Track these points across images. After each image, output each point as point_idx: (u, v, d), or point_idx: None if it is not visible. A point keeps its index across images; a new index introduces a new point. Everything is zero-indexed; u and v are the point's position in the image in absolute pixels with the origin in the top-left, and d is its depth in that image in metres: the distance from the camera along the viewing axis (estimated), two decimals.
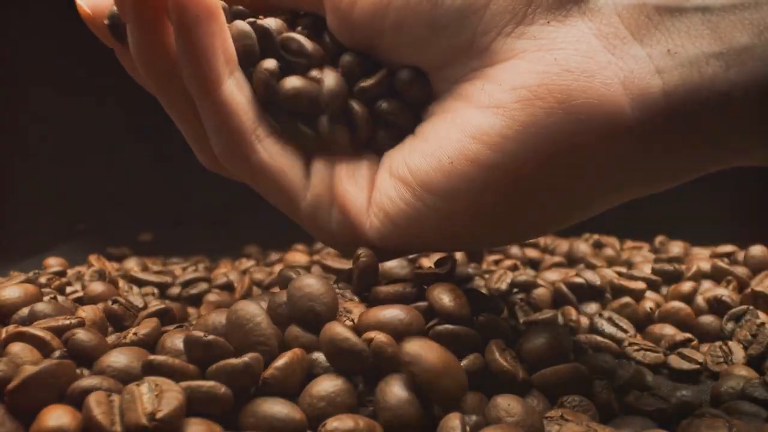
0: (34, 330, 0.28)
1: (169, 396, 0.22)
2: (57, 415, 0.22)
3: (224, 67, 0.30)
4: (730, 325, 0.37)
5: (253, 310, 0.26)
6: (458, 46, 0.29)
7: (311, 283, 0.28)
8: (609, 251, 0.52)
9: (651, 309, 0.40)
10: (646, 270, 0.45)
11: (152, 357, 0.24)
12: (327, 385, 0.25)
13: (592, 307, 0.41)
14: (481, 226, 0.30)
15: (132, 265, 0.51)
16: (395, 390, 0.24)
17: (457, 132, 0.28)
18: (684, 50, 0.26)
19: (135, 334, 0.29)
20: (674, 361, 0.34)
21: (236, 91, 0.31)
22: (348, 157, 0.32)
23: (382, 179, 0.31)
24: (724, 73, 0.25)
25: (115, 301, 0.34)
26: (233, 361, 0.24)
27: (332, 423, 0.23)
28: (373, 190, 0.31)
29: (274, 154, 0.31)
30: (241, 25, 0.31)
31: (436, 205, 0.29)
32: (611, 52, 0.26)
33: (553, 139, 0.27)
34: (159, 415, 0.22)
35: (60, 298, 0.34)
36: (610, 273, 0.44)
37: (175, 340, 0.27)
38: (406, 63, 0.31)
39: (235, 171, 0.32)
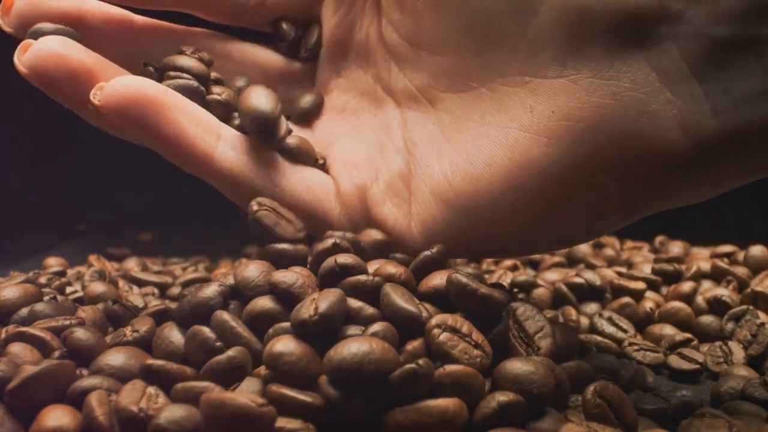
0: (34, 330, 0.27)
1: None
2: (57, 415, 0.22)
3: (209, 138, 0.29)
4: (730, 325, 0.37)
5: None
6: (506, 37, 0.28)
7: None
8: (609, 251, 0.52)
9: (651, 309, 0.40)
10: (646, 270, 0.45)
11: (151, 361, 0.24)
12: None
13: (592, 307, 0.41)
14: (522, 241, 0.30)
15: (132, 265, 0.51)
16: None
17: (507, 159, 0.28)
18: (737, 87, 0.25)
19: (135, 330, 0.29)
20: (674, 361, 0.34)
21: (231, 152, 0.29)
22: (372, 168, 0.31)
23: (423, 195, 0.30)
24: None
25: (115, 302, 0.33)
26: (218, 357, 0.24)
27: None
28: (412, 203, 0.30)
29: (298, 191, 0.30)
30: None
31: (481, 227, 0.29)
32: (669, 89, 0.26)
33: (604, 171, 0.27)
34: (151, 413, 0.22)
35: (60, 298, 0.34)
36: (610, 273, 0.44)
37: (170, 335, 0.27)
38: (435, 36, 0.30)
39: None
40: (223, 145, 0.29)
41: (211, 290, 0.27)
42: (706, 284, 0.43)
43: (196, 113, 0.29)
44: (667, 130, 0.26)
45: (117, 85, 0.28)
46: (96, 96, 0.28)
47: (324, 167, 0.33)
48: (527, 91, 0.28)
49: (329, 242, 0.28)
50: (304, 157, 0.32)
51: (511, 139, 0.28)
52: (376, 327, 0.24)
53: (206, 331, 0.25)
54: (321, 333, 0.24)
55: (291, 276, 0.27)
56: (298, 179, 0.31)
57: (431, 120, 0.31)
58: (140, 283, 0.44)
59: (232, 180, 0.30)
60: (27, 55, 0.28)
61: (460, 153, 0.29)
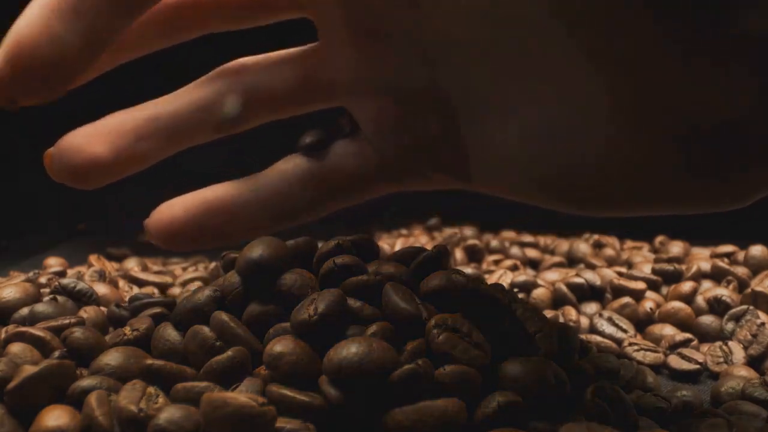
0: (34, 330, 0.27)
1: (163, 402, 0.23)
2: (57, 415, 0.22)
3: (257, 213, 0.30)
4: (730, 325, 0.37)
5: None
6: (552, 50, 0.24)
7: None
8: (609, 251, 0.52)
9: (651, 309, 0.40)
10: (646, 270, 0.45)
11: (151, 361, 0.24)
12: None
13: (592, 307, 0.41)
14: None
15: (132, 265, 0.51)
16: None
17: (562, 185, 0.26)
18: None
19: (135, 329, 0.29)
20: (674, 361, 0.34)
21: (264, 211, 0.30)
22: (409, 122, 0.28)
23: (486, 166, 0.27)
24: None
25: (119, 306, 0.33)
26: (218, 357, 0.24)
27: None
28: (471, 164, 0.28)
29: (337, 188, 0.30)
30: None
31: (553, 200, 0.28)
32: None
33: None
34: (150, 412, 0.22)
35: (60, 298, 0.34)
36: (610, 273, 0.44)
37: (165, 334, 0.27)
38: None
39: None
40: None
41: (205, 296, 0.27)
42: (706, 284, 0.43)
43: (228, 201, 0.30)
44: None
45: (155, 223, 0.31)
46: (150, 238, 0.31)
47: (354, 132, 0.31)
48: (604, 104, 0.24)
49: (332, 244, 0.28)
50: (329, 142, 0.31)
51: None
52: (376, 327, 0.24)
53: (206, 330, 0.25)
54: (320, 333, 0.24)
55: (291, 277, 0.27)
56: (334, 179, 0.30)
57: (469, 70, 0.26)
58: (140, 283, 0.44)
59: (276, 228, 0.30)
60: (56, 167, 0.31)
61: (522, 154, 0.26)
